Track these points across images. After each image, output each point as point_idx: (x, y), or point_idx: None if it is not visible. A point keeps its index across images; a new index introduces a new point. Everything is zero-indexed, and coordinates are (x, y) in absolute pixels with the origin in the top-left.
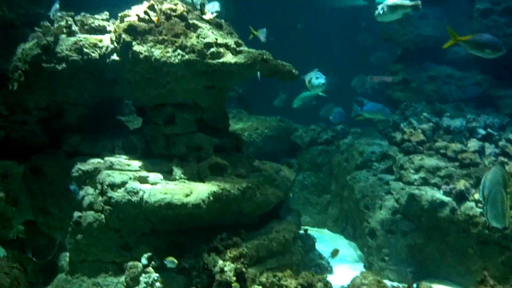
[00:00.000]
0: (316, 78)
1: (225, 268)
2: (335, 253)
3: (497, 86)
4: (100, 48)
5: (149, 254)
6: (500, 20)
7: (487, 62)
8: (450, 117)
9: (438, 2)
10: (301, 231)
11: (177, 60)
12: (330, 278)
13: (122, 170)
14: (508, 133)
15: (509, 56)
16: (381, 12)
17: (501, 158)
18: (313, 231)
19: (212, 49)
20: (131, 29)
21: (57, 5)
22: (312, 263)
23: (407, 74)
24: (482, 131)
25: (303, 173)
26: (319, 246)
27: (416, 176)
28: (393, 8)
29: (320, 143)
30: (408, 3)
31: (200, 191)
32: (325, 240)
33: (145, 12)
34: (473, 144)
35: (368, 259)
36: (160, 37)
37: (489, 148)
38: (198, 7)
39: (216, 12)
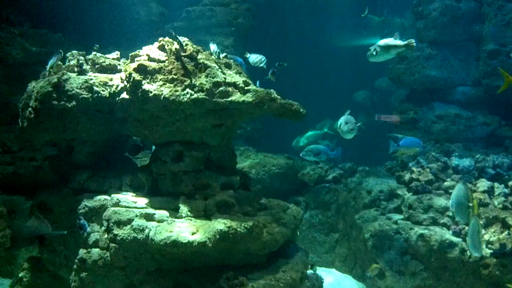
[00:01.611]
0: (346, 124)
1: None
2: None
3: (505, 126)
4: (110, 86)
5: None
6: (508, 61)
7: (495, 102)
8: (458, 156)
9: (445, 44)
10: (309, 271)
11: (186, 99)
12: None
13: (128, 207)
14: None
15: None
16: (374, 53)
17: (511, 198)
18: (321, 271)
19: (221, 88)
20: (141, 68)
21: (55, 59)
22: None
23: (415, 113)
24: (491, 171)
25: (310, 211)
26: (327, 287)
27: (425, 216)
28: (386, 48)
29: (328, 181)
30: (401, 42)
31: (206, 229)
32: (334, 280)
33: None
34: (482, 184)
35: None
36: (170, 76)
37: (499, 188)
38: (215, 55)
39: (225, 53)
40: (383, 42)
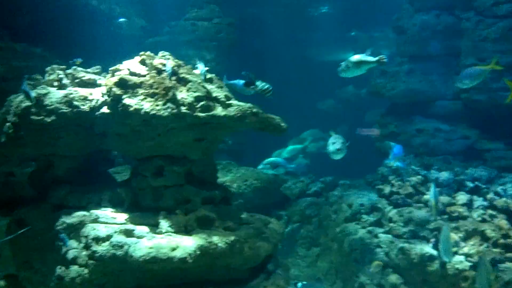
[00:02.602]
0: (333, 144)
1: None
2: None
3: (484, 139)
4: (91, 101)
5: None
6: (486, 76)
7: (474, 116)
8: (438, 170)
9: (425, 58)
10: (291, 286)
11: (167, 113)
12: None
13: (107, 223)
14: (496, 186)
15: (496, 110)
16: (345, 68)
17: (490, 211)
18: (303, 285)
19: (202, 103)
20: (122, 83)
21: (25, 84)
22: None
23: (395, 127)
24: (470, 184)
25: (292, 225)
26: None
27: (405, 229)
28: (357, 64)
29: (309, 195)
30: (372, 58)
31: (186, 244)
32: None
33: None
34: (461, 197)
35: None
36: (151, 91)
37: (477, 201)
38: (203, 75)
39: (206, 67)
40: (354, 57)
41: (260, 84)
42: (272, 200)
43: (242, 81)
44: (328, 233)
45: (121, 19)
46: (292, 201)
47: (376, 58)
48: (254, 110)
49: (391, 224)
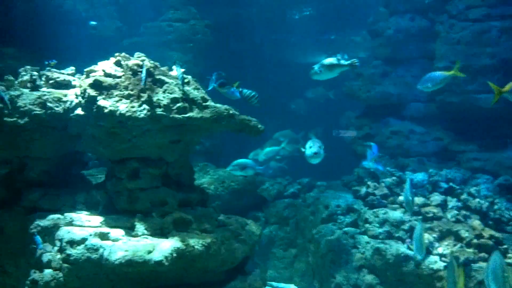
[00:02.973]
0: (310, 148)
1: None
2: None
3: (458, 141)
4: (65, 102)
5: None
6: (459, 78)
7: (448, 118)
8: (412, 171)
9: (400, 61)
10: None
11: (142, 115)
12: None
13: (82, 226)
14: (470, 187)
15: (469, 111)
16: (318, 72)
17: (463, 212)
18: (280, 287)
19: (178, 104)
20: (96, 84)
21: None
22: None
23: (370, 129)
24: (444, 185)
25: (269, 226)
26: None
27: (381, 230)
28: (329, 67)
29: (287, 196)
30: (344, 62)
31: (163, 247)
32: None
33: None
34: (436, 198)
35: None
36: (126, 92)
37: (451, 202)
38: (180, 80)
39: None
40: (327, 61)
41: (246, 92)
42: (250, 202)
43: (225, 85)
44: (305, 234)
45: (92, 22)
46: (269, 202)
47: (348, 62)
48: (231, 112)
49: (367, 225)
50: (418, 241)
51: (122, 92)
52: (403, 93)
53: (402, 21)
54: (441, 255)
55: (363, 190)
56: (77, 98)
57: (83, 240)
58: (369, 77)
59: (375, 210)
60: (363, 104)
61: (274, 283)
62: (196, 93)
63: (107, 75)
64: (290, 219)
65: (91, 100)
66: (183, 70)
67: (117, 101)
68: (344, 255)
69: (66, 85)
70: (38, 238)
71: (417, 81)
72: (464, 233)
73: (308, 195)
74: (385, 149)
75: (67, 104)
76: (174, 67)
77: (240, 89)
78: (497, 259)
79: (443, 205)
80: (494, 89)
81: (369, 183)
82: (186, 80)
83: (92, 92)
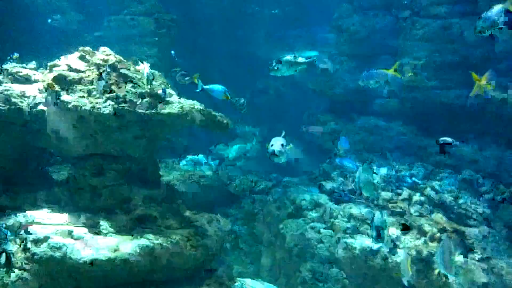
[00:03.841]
0: (271, 146)
1: None
2: None
3: (421, 136)
4: (27, 97)
5: None
6: (421, 74)
7: (411, 113)
8: (377, 166)
9: (364, 57)
10: (235, 283)
11: (107, 111)
12: None
13: (45, 224)
14: (433, 182)
15: (432, 107)
16: (275, 68)
17: (426, 206)
18: (246, 282)
19: (144, 99)
20: (60, 79)
21: None
22: None
23: (336, 124)
24: (408, 180)
25: (237, 222)
26: None
27: (347, 225)
28: (288, 64)
29: (255, 192)
30: (303, 60)
31: (127, 245)
32: None
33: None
34: (399, 192)
35: None
36: (90, 87)
37: (415, 196)
38: (148, 77)
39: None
40: (285, 58)
41: (235, 99)
42: (219, 198)
43: (219, 87)
44: (272, 230)
45: (54, 16)
46: (237, 198)
47: (308, 60)
48: (197, 107)
49: (333, 220)
50: (376, 230)
51: (86, 87)
52: (367, 89)
53: (366, 18)
54: (405, 249)
55: (329, 185)
56: (39, 93)
57: (46, 239)
58: (334, 73)
59: (341, 205)
60: (327, 99)
61: (241, 279)
62: (162, 88)
63: (71, 69)
64: (257, 215)
65: (54, 95)
66: (148, 65)
67: (81, 96)
68: (310, 249)
69: (29, 80)
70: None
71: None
72: (427, 227)
73: (275, 190)
74: (350, 145)
75: (30, 99)
76: (139, 61)
77: (229, 92)
78: (446, 244)
79: (407, 200)
80: (474, 79)
81: (335, 177)
82: (152, 75)
83: (55, 87)
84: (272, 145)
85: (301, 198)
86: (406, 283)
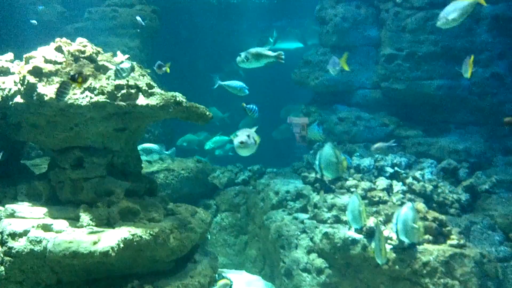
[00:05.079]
0: (236, 137)
1: None
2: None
3: (403, 126)
4: (3, 90)
5: None
6: (403, 65)
7: (393, 104)
8: (360, 156)
9: (347, 48)
10: (218, 275)
11: (85, 102)
12: None
13: (24, 217)
14: (414, 171)
15: (414, 98)
16: (244, 60)
17: (408, 195)
18: (231, 273)
19: (123, 91)
20: (36, 71)
21: None
22: None
23: (319, 116)
24: (390, 170)
25: (220, 214)
26: None
27: (329, 215)
28: (256, 56)
29: (237, 184)
30: (271, 53)
31: (109, 238)
32: (243, 282)
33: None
34: (382, 182)
35: None
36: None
37: (397, 186)
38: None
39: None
40: (253, 50)
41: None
42: (200, 190)
43: (237, 83)
44: (256, 221)
45: (40, 7)
46: (220, 190)
47: (276, 54)
48: (178, 99)
49: (316, 210)
50: (354, 212)
51: (63, 79)
52: (350, 80)
53: (349, 9)
54: (387, 238)
55: (312, 176)
56: (16, 85)
57: (26, 232)
58: (317, 64)
59: (324, 195)
60: (312, 91)
61: (225, 270)
62: (141, 79)
63: (47, 61)
64: (241, 206)
65: (31, 88)
66: (127, 56)
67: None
68: (294, 240)
69: (5, 72)
70: None
71: (363, 68)
72: None
73: (258, 182)
74: (333, 136)
75: (6, 92)
76: (118, 52)
77: (247, 89)
78: (409, 211)
79: (388, 189)
80: (470, 65)
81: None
82: (131, 67)
83: (31, 79)
84: (237, 136)
85: (285, 189)
86: (380, 263)
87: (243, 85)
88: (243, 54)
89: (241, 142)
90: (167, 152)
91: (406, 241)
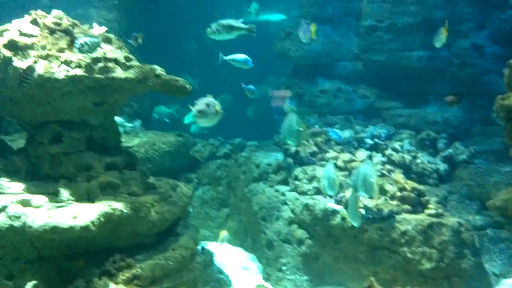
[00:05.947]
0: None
1: None
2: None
3: (383, 98)
4: None
5: (34, 282)
6: (384, 36)
7: (373, 76)
8: (340, 128)
9: (327, 20)
10: (199, 247)
11: (62, 76)
12: None
13: (3, 193)
14: (394, 143)
15: (394, 69)
16: (215, 31)
17: (388, 166)
18: (212, 246)
19: (101, 64)
20: (11, 44)
21: None
22: (211, 279)
23: (300, 88)
24: (369, 141)
25: (202, 187)
26: (218, 260)
27: (309, 186)
28: (227, 28)
29: (219, 157)
30: (242, 25)
31: (89, 212)
32: (224, 254)
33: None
34: (361, 153)
35: (267, 270)
36: (44, 52)
37: (376, 157)
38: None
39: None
40: (225, 21)
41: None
42: (182, 164)
43: (241, 56)
44: (237, 194)
45: None
46: (201, 163)
47: (247, 26)
48: (157, 72)
49: (297, 182)
50: (328, 179)
51: (39, 53)
52: (331, 52)
53: None
54: (366, 208)
55: (293, 148)
56: None
57: (4, 208)
58: (298, 36)
59: (304, 167)
60: (293, 63)
61: (207, 242)
62: (119, 52)
63: (22, 34)
64: (222, 179)
65: (6, 62)
66: (105, 28)
67: (34, 62)
68: (275, 212)
69: None
70: None
71: (344, 40)
72: (388, 186)
73: (240, 155)
74: (314, 108)
75: None
76: (94, 24)
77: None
78: (367, 167)
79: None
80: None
81: None
82: (104, 36)
83: (6, 53)
84: (195, 105)
85: (266, 162)
86: (356, 225)
87: (247, 58)
88: (213, 26)
89: (199, 111)
90: (128, 124)
91: (364, 195)
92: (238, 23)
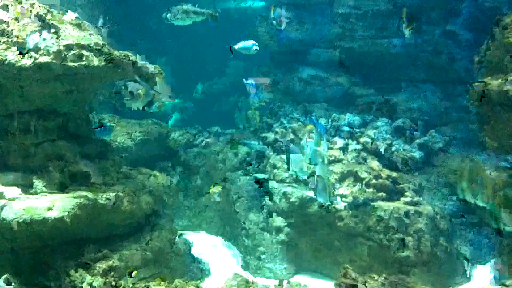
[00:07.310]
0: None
1: (94, 284)
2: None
3: (358, 85)
4: None
5: (6, 276)
6: (358, 23)
7: (348, 63)
8: (316, 116)
9: (302, 6)
10: (177, 236)
11: (30, 63)
12: (208, 280)
13: None
14: (369, 130)
15: (368, 57)
16: (172, 16)
17: (363, 154)
18: (190, 235)
19: (72, 51)
20: None
21: None
22: (189, 268)
23: (275, 75)
24: (345, 129)
25: (179, 176)
26: (196, 249)
27: (287, 174)
28: (186, 13)
29: (196, 145)
30: (204, 10)
31: (63, 203)
32: (202, 243)
33: None
34: (338, 141)
35: (245, 258)
36: (14, 39)
37: (352, 145)
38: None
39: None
40: (184, 6)
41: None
42: (158, 152)
43: (248, 42)
44: (215, 182)
45: None
46: (179, 152)
47: (210, 11)
48: (130, 58)
49: (275, 170)
50: (297, 162)
51: (9, 39)
52: (305, 39)
53: None
54: (342, 196)
55: (271, 136)
56: None
57: None
58: (272, 23)
59: (282, 155)
60: (269, 50)
61: (185, 232)
62: (91, 38)
63: None
64: (200, 168)
65: None
66: (76, 15)
67: (5, 50)
68: (254, 200)
69: None
70: None
71: (319, 27)
72: (363, 174)
73: (217, 144)
74: (289, 96)
75: None
76: (69, 11)
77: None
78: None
79: (344, 149)
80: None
81: (277, 129)
82: (75, 22)
83: None
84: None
85: (245, 150)
86: (323, 202)
87: (254, 43)
88: (172, 10)
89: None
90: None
91: (314, 162)
92: (196, 8)
